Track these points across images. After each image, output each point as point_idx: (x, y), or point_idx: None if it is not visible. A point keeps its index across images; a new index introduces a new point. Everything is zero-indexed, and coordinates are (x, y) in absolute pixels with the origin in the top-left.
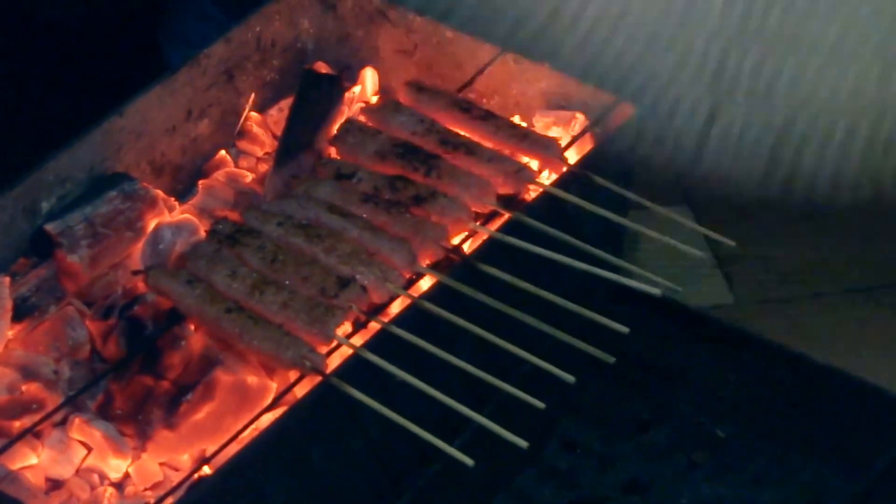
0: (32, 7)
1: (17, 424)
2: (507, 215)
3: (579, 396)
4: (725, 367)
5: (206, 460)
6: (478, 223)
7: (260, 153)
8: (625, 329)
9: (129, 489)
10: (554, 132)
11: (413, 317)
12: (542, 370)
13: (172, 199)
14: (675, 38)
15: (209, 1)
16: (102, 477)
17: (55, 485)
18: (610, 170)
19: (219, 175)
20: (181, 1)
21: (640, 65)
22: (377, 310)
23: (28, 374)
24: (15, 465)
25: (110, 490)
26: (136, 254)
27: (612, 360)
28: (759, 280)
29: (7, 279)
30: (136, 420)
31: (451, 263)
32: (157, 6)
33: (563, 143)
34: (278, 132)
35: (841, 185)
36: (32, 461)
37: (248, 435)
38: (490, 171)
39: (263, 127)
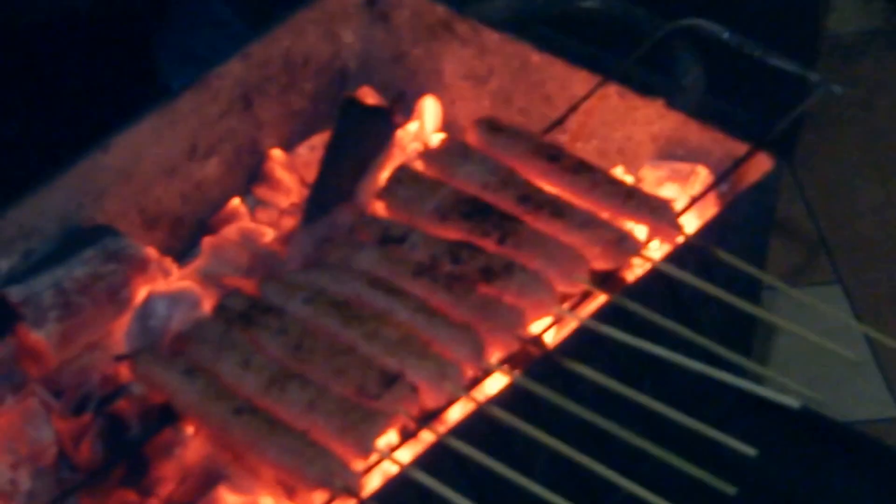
0: None
1: None
2: (603, 298)
3: None
4: (884, 501)
5: None
6: (565, 307)
7: (284, 204)
8: (752, 451)
9: None
10: (667, 190)
11: (477, 427)
12: (642, 501)
13: (168, 259)
14: None
15: (220, 2)
16: None
17: None
18: (739, 242)
19: (230, 231)
20: (184, 2)
21: None
22: (431, 416)
23: None
24: None
25: None
26: (120, 332)
27: (733, 490)
28: None
29: None
30: None
31: (529, 358)
32: (154, 7)
33: (680, 205)
34: (309, 177)
35: None
36: None
37: None
38: (583, 240)
39: (289, 170)
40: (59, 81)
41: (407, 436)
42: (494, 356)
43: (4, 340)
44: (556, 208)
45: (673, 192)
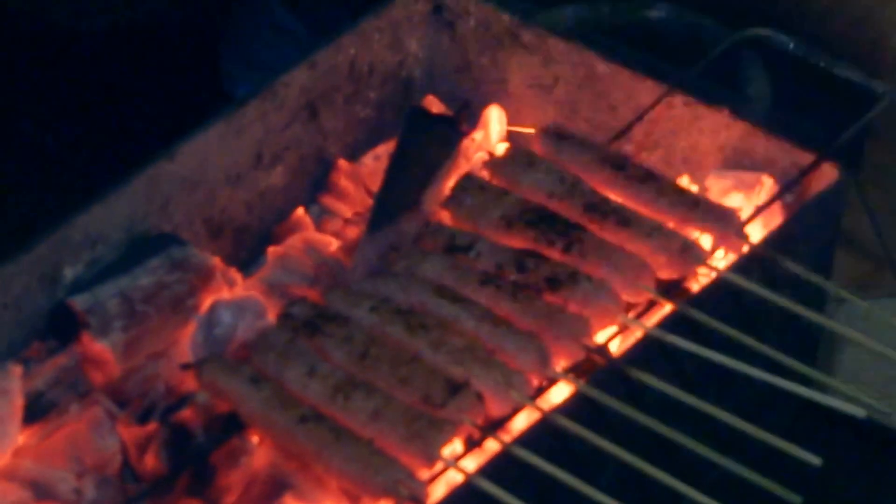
0: (53, 15)
1: None
2: (668, 307)
3: None
4: None
5: None
6: (630, 315)
7: (349, 213)
8: (817, 460)
9: None
10: (733, 200)
11: (542, 435)
12: None
13: (233, 269)
14: None
15: (285, 8)
16: None
17: None
18: (804, 251)
19: (295, 240)
20: (248, 9)
21: None
22: (496, 424)
23: (41, 492)
24: None
25: None
26: (185, 341)
27: (798, 500)
28: None
29: (18, 368)
30: None
31: (594, 367)
32: (218, 15)
33: (745, 214)
34: (374, 187)
35: None
36: None
37: None
38: (648, 249)
39: (354, 179)
40: (128, 89)
41: (472, 444)
42: (560, 365)
43: (69, 349)
44: (622, 217)
45: (738, 202)
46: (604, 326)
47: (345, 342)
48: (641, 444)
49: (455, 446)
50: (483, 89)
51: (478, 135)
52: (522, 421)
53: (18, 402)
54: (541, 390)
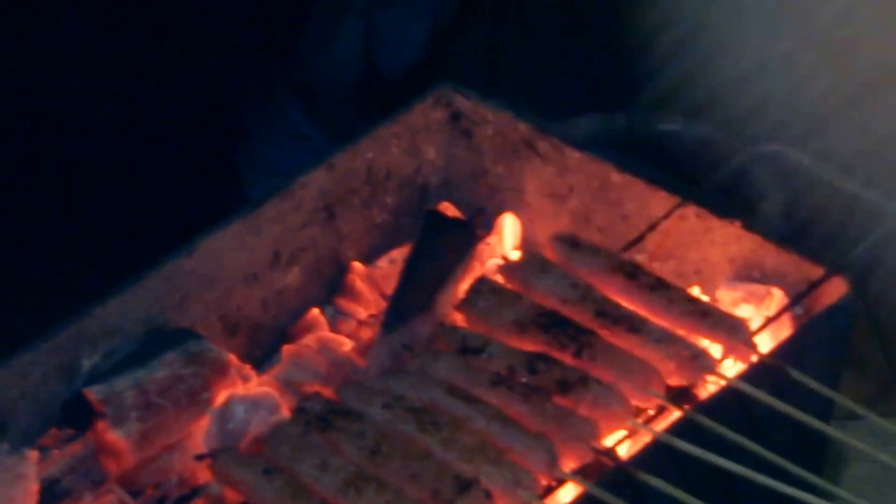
0: (68, 111)
1: None
2: (676, 413)
3: None
4: None
5: None
6: (639, 420)
7: (363, 315)
8: None
9: None
10: (743, 311)
11: None
12: None
13: (248, 366)
14: None
15: (303, 116)
16: None
17: None
18: (812, 363)
19: (309, 340)
20: (266, 115)
21: None
22: None
23: None
24: None
25: None
26: (199, 433)
27: None
28: None
29: (34, 454)
30: None
31: (602, 469)
32: (236, 120)
33: (755, 325)
34: (388, 290)
35: None
36: None
37: None
38: (658, 355)
39: (369, 282)
40: (148, 188)
41: None
42: (568, 466)
43: (85, 438)
44: (633, 324)
45: (748, 313)
46: (613, 430)
47: (357, 437)
48: None
49: None
50: (498, 197)
51: (492, 240)
52: None
53: (34, 487)
54: (549, 490)
